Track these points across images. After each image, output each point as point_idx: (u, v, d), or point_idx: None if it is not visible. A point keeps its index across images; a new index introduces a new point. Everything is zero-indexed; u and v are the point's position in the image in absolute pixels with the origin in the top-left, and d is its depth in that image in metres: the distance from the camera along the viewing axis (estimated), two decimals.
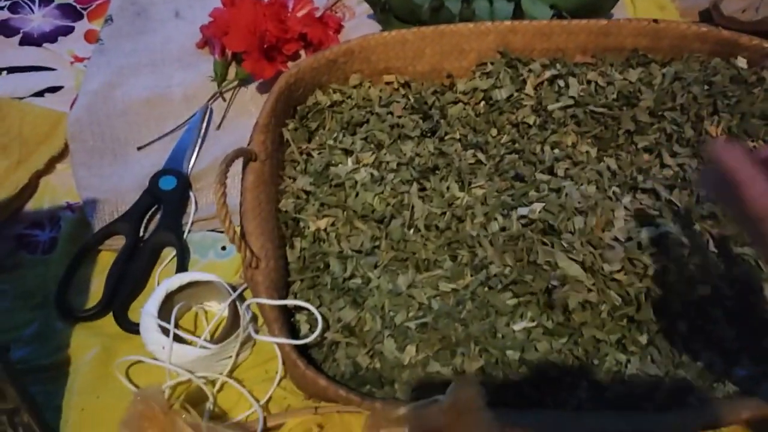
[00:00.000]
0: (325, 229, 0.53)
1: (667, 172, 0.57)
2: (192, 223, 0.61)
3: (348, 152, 0.57)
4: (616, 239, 0.50)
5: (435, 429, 0.42)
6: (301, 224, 0.54)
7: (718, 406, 0.45)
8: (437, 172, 0.56)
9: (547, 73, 0.60)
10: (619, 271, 0.49)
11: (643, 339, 0.48)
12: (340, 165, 0.56)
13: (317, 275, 0.51)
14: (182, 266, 0.58)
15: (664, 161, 0.57)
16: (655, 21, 0.59)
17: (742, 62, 0.60)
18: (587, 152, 0.58)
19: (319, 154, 0.57)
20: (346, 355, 0.48)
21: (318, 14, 0.75)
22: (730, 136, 0.56)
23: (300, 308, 0.50)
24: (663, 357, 0.48)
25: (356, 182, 0.54)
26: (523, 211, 0.51)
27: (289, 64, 0.71)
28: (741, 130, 0.57)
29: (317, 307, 0.49)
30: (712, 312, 0.49)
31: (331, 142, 0.58)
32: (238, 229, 0.47)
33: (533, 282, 0.49)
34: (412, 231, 0.52)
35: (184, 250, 0.59)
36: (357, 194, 0.53)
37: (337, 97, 0.61)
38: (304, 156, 0.58)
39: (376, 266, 0.51)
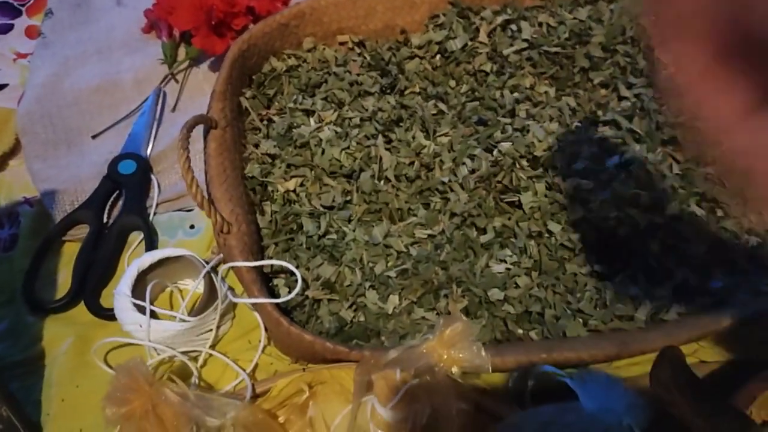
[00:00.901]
0: (294, 190, 0.52)
1: (625, 104, 0.57)
2: (157, 205, 0.60)
3: (309, 113, 0.56)
4: (583, 168, 0.50)
5: (427, 366, 0.42)
6: (270, 188, 0.53)
7: (698, 318, 0.46)
8: (401, 124, 0.56)
9: (499, 19, 0.60)
10: (592, 202, 0.50)
11: (619, 264, 0.49)
12: (302, 126, 0.55)
13: (291, 237, 0.51)
14: (151, 248, 0.56)
15: (621, 94, 0.58)
16: None
17: None
18: (546, 92, 0.58)
19: (280, 117, 0.56)
20: (329, 311, 0.47)
21: None
22: None
23: (277, 273, 0.49)
24: (640, 278, 0.48)
25: (321, 140, 0.54)
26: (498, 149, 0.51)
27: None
28: None
29: (295, 267, 0.48)
30: (682, 230, 0.50)
31: (291, 105, 0.57)
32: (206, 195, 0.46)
33: (508, 220, 0.50)
34: (382, 182, 0.52)
35: (151, 232, 0.58)
36: (323, 152, 0.53)
37: (292, 61, 0.60)
38: (265, 122, 0.57)
39: (350, 220, 0.50)
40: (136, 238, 0.58)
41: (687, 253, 0.49)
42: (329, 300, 0.47)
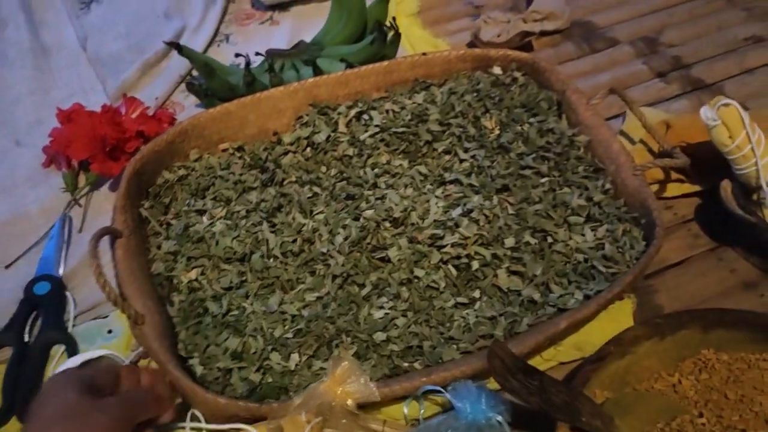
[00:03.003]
0: (196, 279, 0.60)
1: (465, 165, 0.70)
2: (74, 318, 0.65)
3: (201, 212, 0.65)
4: (435, 221, 0.62)
5: (326, 404, 0.50)
6: (175, 281, 0.61)
7: (542, 326, 0.57)
8: (282, 209, 0.66)
9: (353, 111, 0.72)
10: (445, 246, 0.61)
11: (476, 293, 0.60)
12: (197, 224, 0.64)
13: (199, 320, 0.58)
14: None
15: (460, 157, 0.71)
16: (424, 54, 0.74)
17: (497, 70, 0.76)
18: (400, 165, 0.70)
19: (177, 220, 0.65)
20: (240, 377, 0.54)
21: (150, 113, 0.84)
22: (503, 125, 0.71)
23: (192, 354, 0.57)
24: (495, 302, 0.59)
25: (214, 233, 0.63)
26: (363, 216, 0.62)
27: None
28: (509, 119, 0.72)
29: (206, 347, 0.56)
30: (522, 257, 0.61)
31: (185, 208, 0.66)
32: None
33: (381, 273, 0.60)
34: (271, 260, 0.61)
35: (71, 343, 0.63)
36: (217, 242, 0.62)
37: (182, 172, 0.69)
38: (164, 226, 0.65)
39: (247, 296, 0.59)
40: (59, 350, 0.63)
41: (528, 275, 0.60)
42: (239, 368, 0.55)
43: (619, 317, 0.63)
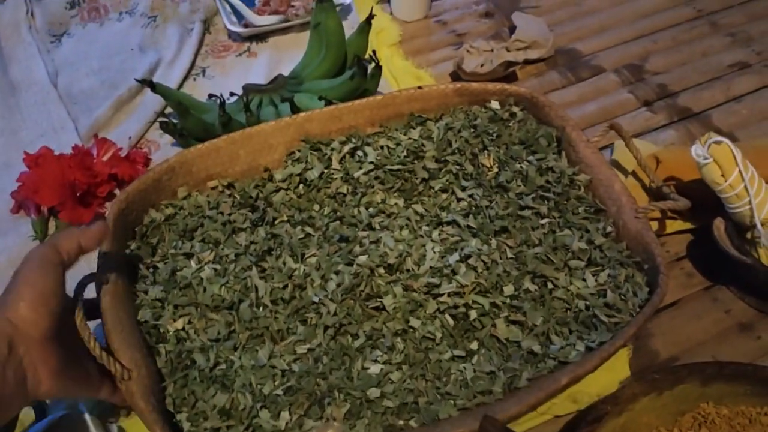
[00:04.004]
0: (183, 329, 0.57)
1: (462, 204, 0.68)
2: None
3: (189, 255, 0.63)
4: (431, 268, 0.60)
5: None
6: (162, 330, 0.58)
7: (542, 382, 0.54)
8: (272, 252, 0.63)
9: (347, 148, 0.70)
10: (441, 295, 0.59)
11: (474, 345, 0.57)
12: (184, 269, 0.61)
13: (186, 373, 0.55)
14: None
15: (458, 196, 0.68)
16: (420, 88, 0.72)
17: (495, 104, 0.74)
18: (396, 203, 0.68)
19: (164, 264, 0.62)
20: None
21: (123, 154, 0.81)
22: (501, 163, 0.69)
23: (180, 408, 0.54)
24: (493, 355, 0.57)
25: (202, 279, 0.60)
26: (348, 269, 0.60)
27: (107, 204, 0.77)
28: (508, 156, 0.70)
29: (194, 403, 0.53)
30: (521, 305, 0.59)
31: (172, 251, 0.63)
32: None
33: (375, 323, 0.57)
34: (260, 309, 0.59)
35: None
36: (205, 289, 0.59)
37: (169, 210, 0.67)
38: (151, 269, 0.62)
39: (235, 348, 0.56)
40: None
41: (528, 325, 0.58)
42: (227, 427, 0.52)
43: (616, 365, 0.61)
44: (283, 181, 0.70)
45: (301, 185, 0.70)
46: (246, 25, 1.02)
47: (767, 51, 0.95)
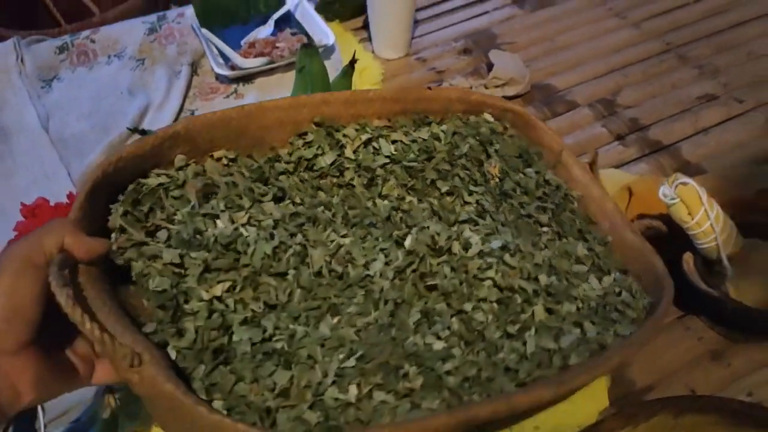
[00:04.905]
0: (219, 297, 0.48)
1: (469, 209, 0.68)
2: (45, 426, 0.54)
3: (214, 216, 0.53)
4: (480, 251, 0.58)
5: None
6: (185, 302, 0.47)
7: (595, 359, 0.53)
8: (305, 226, 0.57)
9: (363, 137, 0.66)
10: (491, 279, 0.57)
11: (517, 328, 0.56)
12: (215, 228, 0.52)
13: (223, 352, 0.46)
14: None
15: (464, 199, 0.68)
16: (429, 88, 0.72)
17: (489, 117, 0.76)
18: (411, 201, 0.65)
19: (180, 225, 0.52)
20: (288, 418, 0.44)
21: None
22: (504, 175, 0.71)
23: (212, 396, 0.44)
24: (544, 334, 0.56)
25: (246, 239, 0.51)
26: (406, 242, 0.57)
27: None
28: (509, 167, 0.72)
29: (232, 385, 0.44)
30: (555, 292, 0.59)
31: (185, 211, 0.53)
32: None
33: (427, 303, 0.54)
34: (321, 278, 0.53)
35: None
36: (254, 251, 0.51)
37: (162, 179, 0.56)
38: (152, 237, 0.51)
39: (297, 318, 0.48)
40: None
41: (562, 314, 0.59)
42: (284, 407, 0.44)
43: (596, 395, 0.63)
44: (292, 163, 0.63)
45: (307, 171, 0.64)
46: (233, 68, 1.04)
47: (733, 82, 0.99)
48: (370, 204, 0.63)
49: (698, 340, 0.71)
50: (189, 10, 0.95)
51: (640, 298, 0.63)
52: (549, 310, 0.59)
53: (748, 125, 0.92)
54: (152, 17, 0.91)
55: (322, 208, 0.60)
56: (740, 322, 0.68)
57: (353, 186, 0.65)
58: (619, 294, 0.63)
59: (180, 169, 0.58)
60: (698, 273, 0.71)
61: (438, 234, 0.59)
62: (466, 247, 0.59)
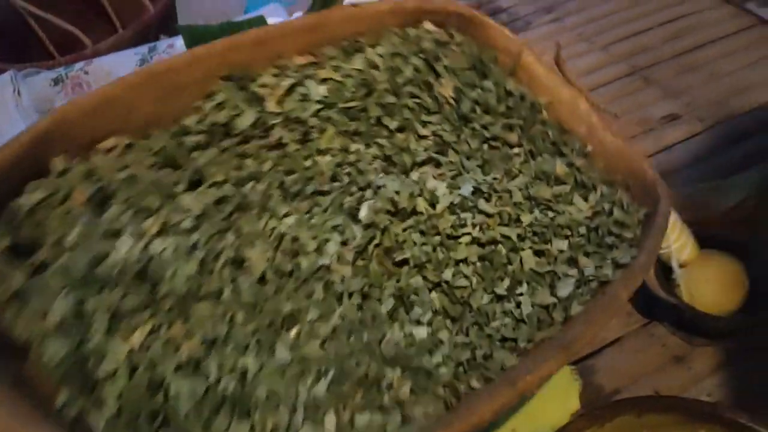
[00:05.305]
0: (144, 344, 0.38)
1: (426, 143, 0.57)
2: None
3: (114, 234, 0.42)
4: (451, 204, 0.49)
5: None
6: (98, 365, 0.37)
7: (600, 301, 0.46)
8: (235, 216, 0.46)
9: (285, 84, 0.54)
10: (468, 234, 0.48)
11: (507, 283, 0.48)
12: (116, 251, 0.41)
13: (168, 410, 0.37)
14: None
15: (419, 133, 0.58)
16: (354, 5, 0.59)
17: (430, 26, 0.64)
18: (357, 149, 0.55)
19: (69, 254, 0.40)
20: None
21: None
22: (459, 95, 0.60)
23: None
24: (536, 286, 0.49)
25: (161, 260, 0.41)
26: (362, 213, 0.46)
27: None
28: (466, 85, 0.60)
29: None
30: (542, 231, 0.51)
31: (76, 233, 0.41)
32: None
33: (399, 281, 0.45)
34: (262, 286, 0.42)
35: None
36: (174, 272, 0.40)
37: (41, 193, 0.44)
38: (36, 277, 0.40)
39: (245, 348, 0.39)
40: None
41: (552, 253, 0.51)
42: None
43: (569, 398, 0.64)
44: (204, 133, 0.51)
45: (227, 138, 0.52)
46: None
47: (695, 102, 1.02)
48: (309, 164, 0.53)
49: (662, 346, 0.71)
50: (179, 41, 0.84)
51: (632, 212, 0.55)
52: (538, 253, 0.51)
53: (709, 142, 0.96)
54: (143, 48, 0.81)
55: (251, 183, 0.49)
56: (699, 328, 0.70)
57: (285, 145, 0.53)
58: (610, 212, 0.55)
59: (62, 174, 0.46)
60: (658, 281, 0.70)
61: (398, 193, 0.49)
62: (433, 202, 0.49)
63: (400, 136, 0.58)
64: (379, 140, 0.57)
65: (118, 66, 0.76)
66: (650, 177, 0.56)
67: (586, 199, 0.56)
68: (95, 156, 0.47)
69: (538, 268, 0.50)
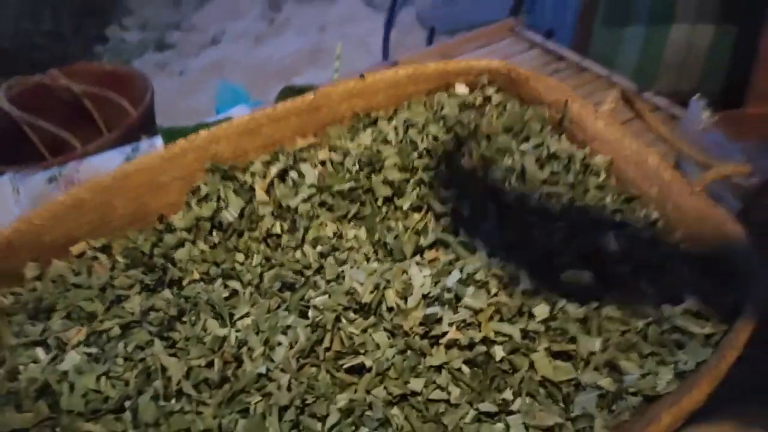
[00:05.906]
0: None
1: (445, 222, 0.48)
2: None
3: (39, 343, 0.40)
4: (423, 298, 0.39)
5: None
6: None
7: (632, 426, 0.34)
8: (184, 319, 0.41)
9: (274, 169, 0.49)
10: (445, 334, 0.38)
11: (508, 394, 0.37)
12: (31, 364, 0.38)
13: None
14: None
15: (436, 211, 0.49)
16: (362, 76, 0.53)
17: (462, 89, 0.56)
18: (355, 236, 0.47)
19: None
20: None
21: None
22: (486, 162, 0.50)
23: None
24: (543, 400, 0.36)
25: (65, 373, 0.37)
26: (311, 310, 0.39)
27: None
28: (494, 152, 0.51)
29: None
30: (565, 327, 0.39)
31: (13, 341, 0.40)
32: None
33: (354, 392, 0.36)
34: (173, 401, 0.36)
35: None
36: (72, 387, 0.36)
37: (8, 301, 0.43)
38: None
39: None
40: None
41: (581, 355, 0.38)
42: None
43: None
44: (188, 230, 0.48)
45: (214, 232, 0.49)
46: None
47: None
48: (298, 255, 0.47)
49: None
50: (159, 140, 0.92)
51: (716, 298, 0.40)
52: (559, 354, 0.38)
53: None
54: (128, 148, 0.90)
55: (221, 282, 0.44)
56: None
57: (278, 236, 0.48)
58: (692, 292, 0.41)
59: (36, 279, 0.45)
60: None
61: (360, 283, 0.40)
62: (405, 294, 0.40)
63: (415, 216, 0.49)
64: (391, 223, 0.49)
65: (105, 163, 0.81)
66: (743, 244, 0.41)
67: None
68: (55, 263, 0.45)
69: (557, 374, 0.37)
